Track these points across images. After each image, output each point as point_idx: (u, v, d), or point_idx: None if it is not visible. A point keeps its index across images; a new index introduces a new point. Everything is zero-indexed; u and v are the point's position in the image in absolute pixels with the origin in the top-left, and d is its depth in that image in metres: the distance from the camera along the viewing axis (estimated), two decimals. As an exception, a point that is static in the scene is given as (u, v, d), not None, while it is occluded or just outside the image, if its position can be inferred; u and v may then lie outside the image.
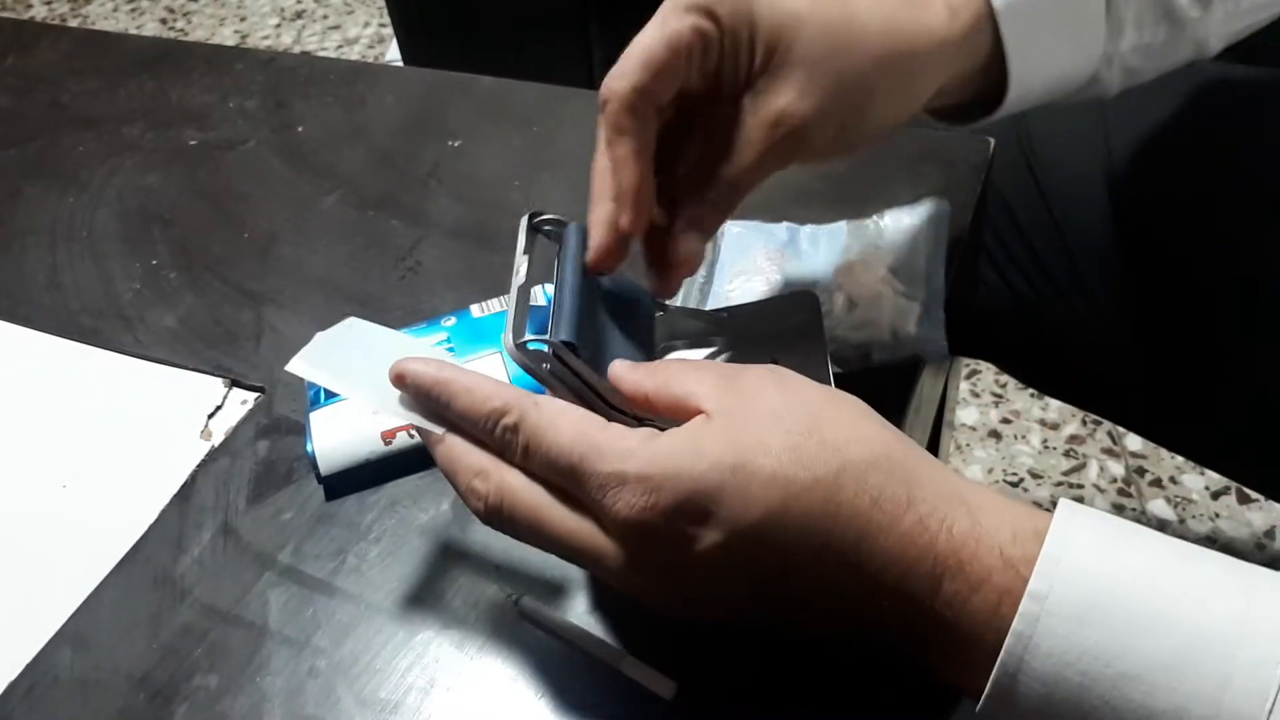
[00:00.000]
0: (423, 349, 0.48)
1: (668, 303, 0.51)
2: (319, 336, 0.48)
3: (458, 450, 0.42)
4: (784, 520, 0.37)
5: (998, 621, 0.35)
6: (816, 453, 0.37)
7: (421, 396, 0.43)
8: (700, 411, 0.40)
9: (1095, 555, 0.35)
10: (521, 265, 0.46)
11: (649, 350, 0.49)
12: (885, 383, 0.54)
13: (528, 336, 0.42)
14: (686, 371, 0.42)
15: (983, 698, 0.35)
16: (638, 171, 0.44)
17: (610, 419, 0.41)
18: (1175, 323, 0.69)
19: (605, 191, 0.45)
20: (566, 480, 0.40)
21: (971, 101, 0.51)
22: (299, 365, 0.46)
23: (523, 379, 0.48)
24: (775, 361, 0.49)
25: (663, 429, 0.40)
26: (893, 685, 0.43)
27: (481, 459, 0.41)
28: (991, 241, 0.73)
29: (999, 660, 0.34)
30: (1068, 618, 0.34)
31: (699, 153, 0.47)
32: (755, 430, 0.38)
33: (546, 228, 0.48)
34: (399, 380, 0.43)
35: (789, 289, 0.57)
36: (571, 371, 0.43)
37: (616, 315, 0.49)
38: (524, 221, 0.47)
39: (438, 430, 0.43)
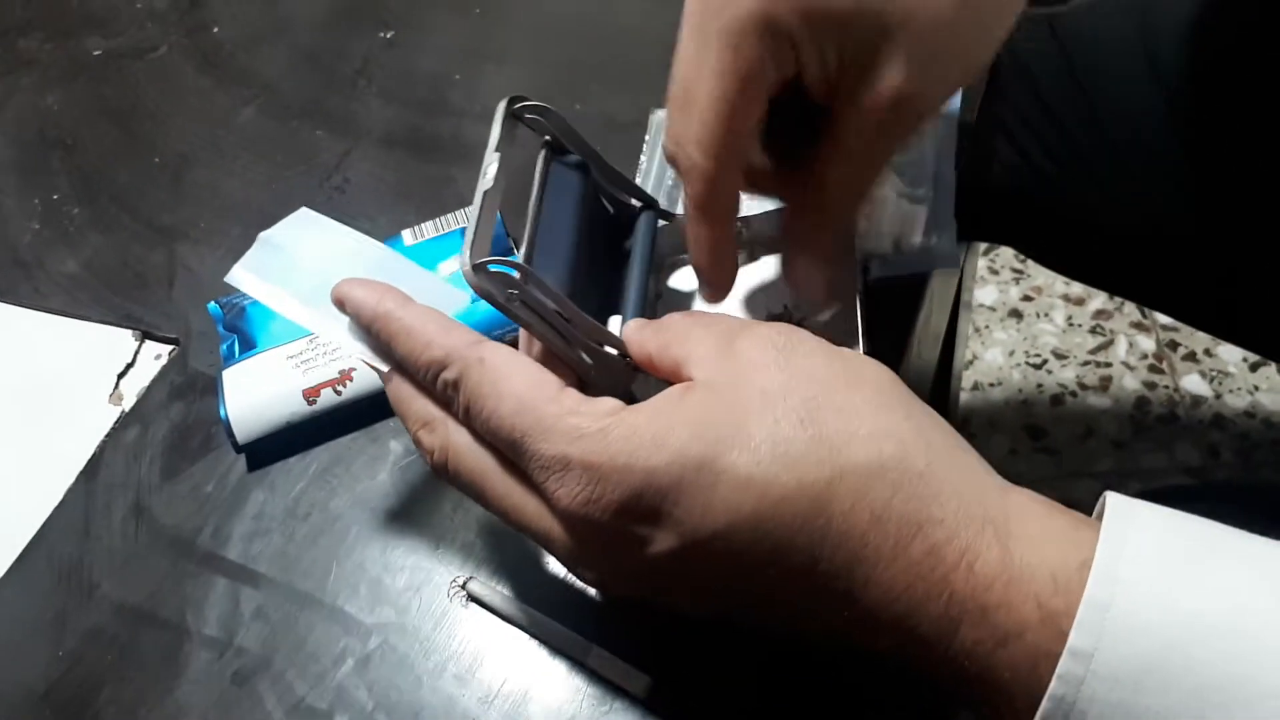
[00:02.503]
0: (384, 256, 0.41)
1: (675, 212, 0.44)
2: (264, 236, 0.41)
3: (404, 394, 0.36)
4: (755, 532, 0.30)
5: (1033, 683, 0.27)
6: (808, 450, 0.30)
7: (364, 328, 0.37)
8: (690, 379, 0.33)
9: (1154, 597, 0.27)
10: (491, 165, 0.37)
11: (643, 274, 0.42)
12: (888, 294, 0.46)
13: (490, 257, 0.34)
14: (691, 330, 0.35)
15: None
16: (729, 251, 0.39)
17: (594, 361, 0.35)
18: (1219, 197, 0.60)
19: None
20: (510, 453, 0.33)
21: None
22: (240, 276, 0.40)
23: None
24: None
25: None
26: (882, 680, 0.36)
27: (428, 409, 0.36)
28: (1010, 115, 0.64)
29: None
30: (1120, 683, 0.26)
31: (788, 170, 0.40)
32: (738, 415, 0.31)
33: (529, 116, 0.40)
34: (340, 304, 0.37)
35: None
36: (545, 302, 0.35)
37: (606, 237, 0.42)
38: (501, 108, 0.39)
39: (384, 367, 0.37)
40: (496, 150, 0.38)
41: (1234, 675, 0.26)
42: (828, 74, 0.36)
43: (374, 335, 0.36)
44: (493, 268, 0.34)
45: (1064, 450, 1.16)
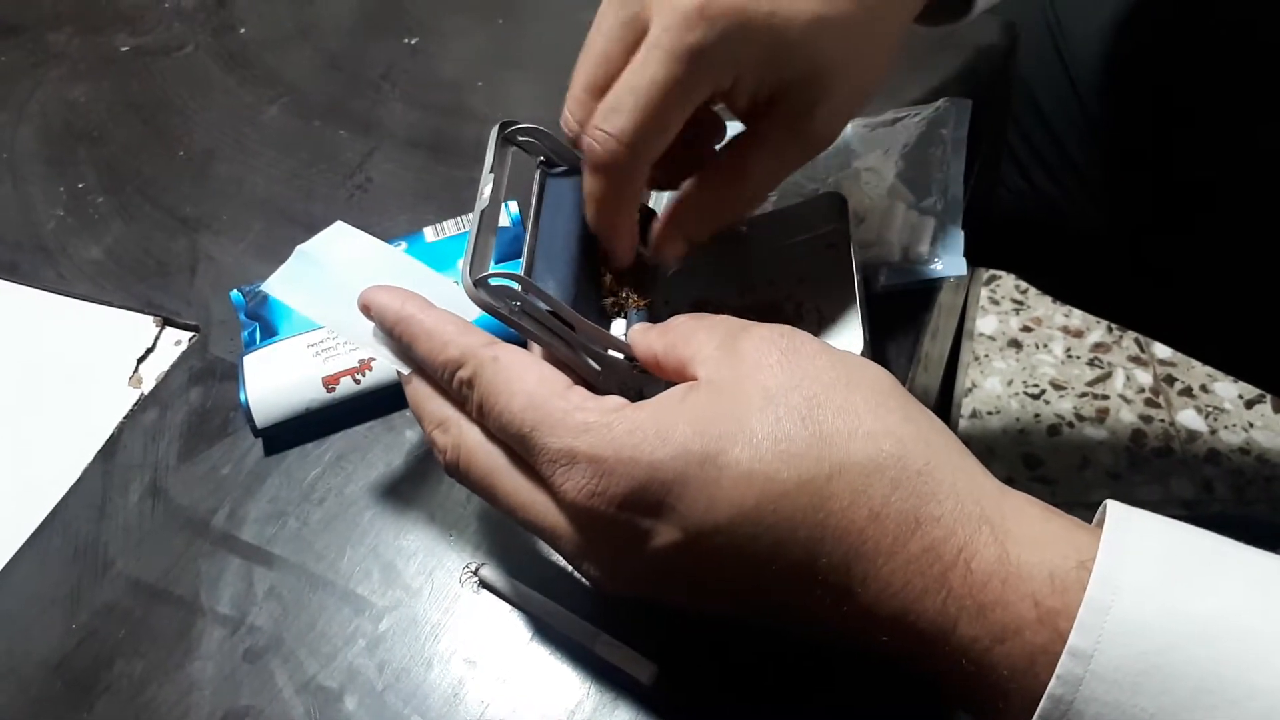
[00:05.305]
0: (412, 267, 0.42)
1: None
2: (300, 249, 0.42)
3: (422, 395, 0.38)
4: (756, 527, 0.30)
5: (1030, 680, 0.28)
6: (808, 448, 0.31)
7: (386, 332, 0.38)
8: (695, 378, 0.34)
9: (1153, 601, 0.28)
10: (486, 187, 0.39)
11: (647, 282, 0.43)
12: (897, 304, 0.47)
13: (490, 271, 0.36)
14: (695, 331, 0.36)
15: None
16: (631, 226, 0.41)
17: (601, 366, 0.36)
18: (1220, 228, 0.62)
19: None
20: (519, 448, 0.34)
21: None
22: (275, 285, 0.41)
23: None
24: (800, 282, 0.43)
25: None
26: (887, 674, 0.37)
27: (443, 409, 0.37)
28: (1016, 140, 0.65)
29: None
30: (1118, 684, 0.27)
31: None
32: (740, 413, 0.31)
33: (521, 139, 0.41)
34: (365, 311, 0.39)
35: (784, 203, 0.49)
36: (547, 310, 0.36)
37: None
38: (494, 133, 0.40)
39: (405, 369, 0.38)
40: (490, 172, 0.40)
41: (1226, 677, 0.27)
42: (756, 102, 0.39)
43: (396, 338, 0.38)
44: (493, 281, 0.36)
45: (1060, 480, 1.17)
